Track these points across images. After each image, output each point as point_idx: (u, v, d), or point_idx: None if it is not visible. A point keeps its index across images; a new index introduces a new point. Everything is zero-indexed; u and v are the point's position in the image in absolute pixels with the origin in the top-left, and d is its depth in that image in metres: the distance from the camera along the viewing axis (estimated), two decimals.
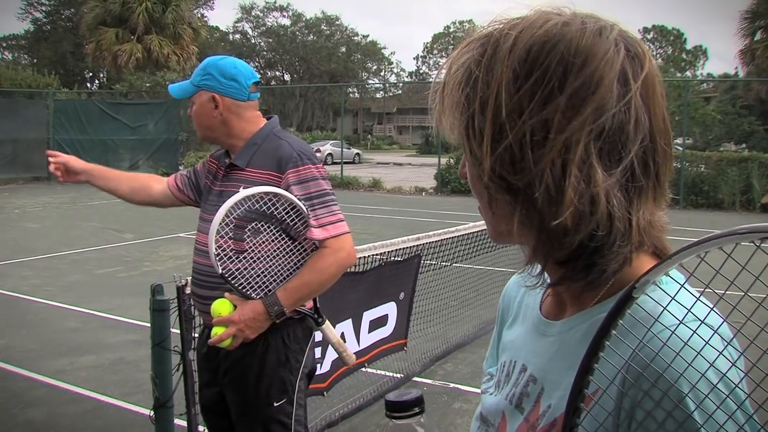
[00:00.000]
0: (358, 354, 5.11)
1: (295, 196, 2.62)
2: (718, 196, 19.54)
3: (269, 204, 2.58)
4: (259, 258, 2.63)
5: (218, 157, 2.98)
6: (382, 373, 5.56)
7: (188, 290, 3.39)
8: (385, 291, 5.40)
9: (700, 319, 0.75)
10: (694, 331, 0.74)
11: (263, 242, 2.64)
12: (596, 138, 0.79)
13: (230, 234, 2.58)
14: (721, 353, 0.73)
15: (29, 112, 25.58)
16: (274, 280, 2.66)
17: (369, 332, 5.24)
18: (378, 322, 5.35)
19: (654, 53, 78.65)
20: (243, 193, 2.53)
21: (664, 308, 0.76)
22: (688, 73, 70.38)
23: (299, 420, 2.85)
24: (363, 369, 5.27)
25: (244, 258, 2.62)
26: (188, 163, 27.10)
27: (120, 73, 31.16)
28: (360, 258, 4.91)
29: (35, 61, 53.82)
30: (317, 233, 2.65)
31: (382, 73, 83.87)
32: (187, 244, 7.22)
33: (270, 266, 2.65)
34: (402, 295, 5.62)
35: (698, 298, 0.79)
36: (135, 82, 30.61)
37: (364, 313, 5.15)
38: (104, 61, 31.13)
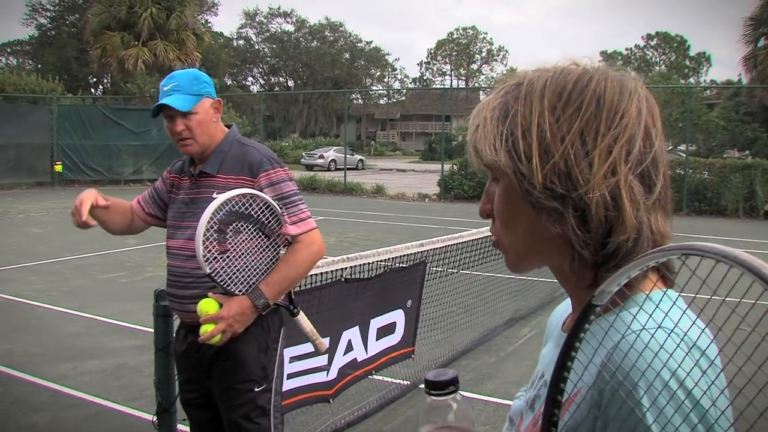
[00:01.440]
0: (366, 362, 5.10)
1: (269, 197, 2.83)
2: (721, 203, 19.53)
3: (247, 205, 2.78)
4: (238, 256, 2.81)
5: (177, 169, 3.14)
6: (389, 380, 5.54)
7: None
8: (392, 298, 5.38)
9: (659, 325, 0.85)
10: (652, 335, 0.85)
11: (243, 241, 2.81)
12: (627, 157, 0.93)
13: (215, 236, 2.72)
14: (671, 355, 0.83)
15: (33, 117, 25.62)
16: (253, 275, 2.84)
17: (377, 340, 5.22)
18: (386, 330, 5.32)
19: (657, 60, 78.75)
20: (224, 196, 2.70)
21: (634, 317, 0.88)
22: (691, 80, 70.45)
23: (276, 406, 3.03)
24: (370, 376, 5.26)
25: (227, 257, 2.77)
26: None
27: (126, 77, 31.22)
28: (364, 264, 4.91)
29: (39, 66, 53.88)
30: (291, 229, 2.87)
31: (385, 80, 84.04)
32: None
33: (249, 263, 2.83)
34: (410, 303, 5.60)
35: (671, 308, 0.89)
36: (144, 86, 30.69)
37: (371, 321, 5.13)
38: (109, 67, 31.17)
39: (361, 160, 44.91)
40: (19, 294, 9.13)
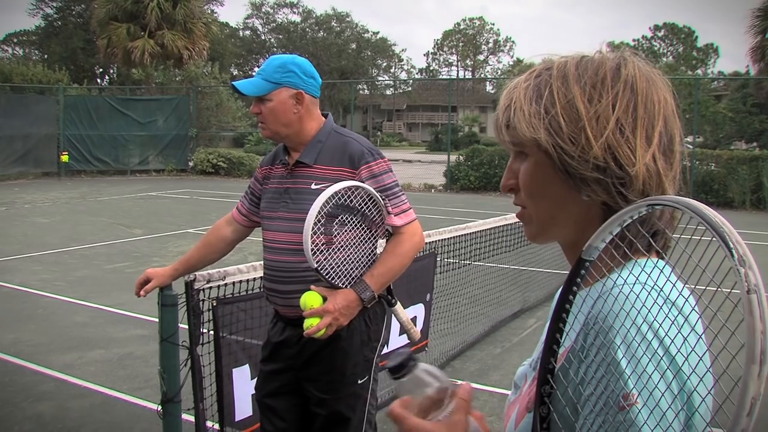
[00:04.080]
0: (384, 357, 5.08)
1: (372, 189, 2.82)
2: (728, 194, 19.45)
3: (353, 197, 2.77)
4: (341, 249, 2.80)
5: (267, 161, 3.15)
6: None
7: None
8: (411, 293, 5.37)
9: (642, 282, 0.96)
10: (630, 287, 0.96)
11: (346, 233, 2.81)
12: (659, 137, 1.05)
13: (321, 229, 2.71)
14: (641, 300, 0.94)
15: (40, 107, 25.62)
16: (354, 268, 2.84)
17: (399, 335, 5.21)
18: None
19: (665, 51, 78.39)
20: (332, 189, 2.68)
21: (620, 276, 0.99)
22: (699, 71, 70.08)
23: (373, 393, 3.11)
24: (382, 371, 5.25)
25: (331, 250, 2.76)
26: (197, 159, 27.11)
27: (132, 68, 31.20)
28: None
29: (46, 56, 53.92)
30: (396, 220, 2.88)
31: (392, 70, 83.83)
32: (195, 239, 7.21)
33: (351, 255, 2.83)
34: (428, 297, 5.62)
35: (653, 270, 0.99)
36: (151, 73, 30.68)
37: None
38: (115, 57, 31.10)
39: None
40: (25, 284, 9.16)
